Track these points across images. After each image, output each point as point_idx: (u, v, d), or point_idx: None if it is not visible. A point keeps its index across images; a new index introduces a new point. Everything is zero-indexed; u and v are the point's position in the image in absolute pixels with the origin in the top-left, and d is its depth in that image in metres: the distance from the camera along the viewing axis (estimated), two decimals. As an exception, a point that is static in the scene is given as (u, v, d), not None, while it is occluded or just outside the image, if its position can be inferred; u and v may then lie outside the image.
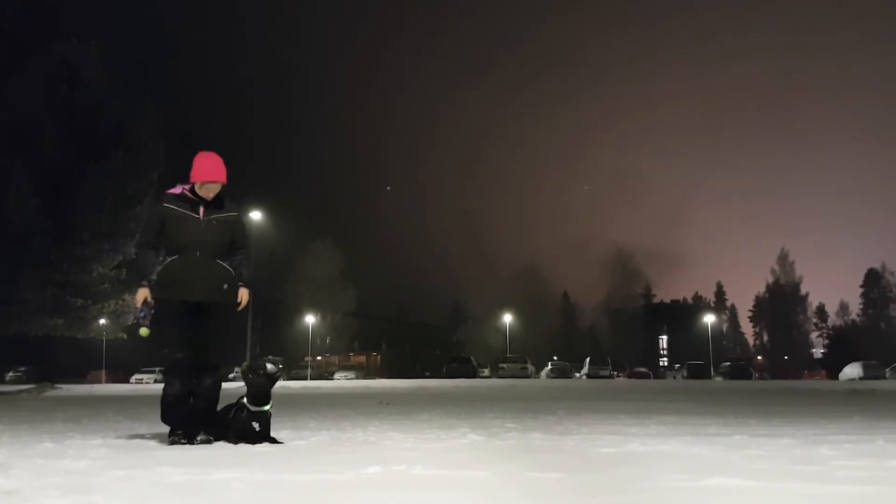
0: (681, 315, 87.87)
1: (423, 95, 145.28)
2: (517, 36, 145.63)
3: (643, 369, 59.91)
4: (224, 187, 4.92)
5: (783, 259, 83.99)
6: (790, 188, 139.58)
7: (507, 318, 69.00)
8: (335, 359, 68.81)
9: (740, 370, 47.25)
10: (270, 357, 63.32)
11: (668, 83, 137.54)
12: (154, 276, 4.93)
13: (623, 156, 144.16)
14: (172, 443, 4.86)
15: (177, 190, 4.93)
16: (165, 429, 6.52)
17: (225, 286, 4.92)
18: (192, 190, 4.88)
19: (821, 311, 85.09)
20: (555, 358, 64.36)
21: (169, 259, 4.87)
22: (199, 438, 4.81)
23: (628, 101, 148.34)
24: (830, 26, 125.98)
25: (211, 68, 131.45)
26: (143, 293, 4.91)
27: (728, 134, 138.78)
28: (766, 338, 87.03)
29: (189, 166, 4.92)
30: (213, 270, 4.87)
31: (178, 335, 4.88)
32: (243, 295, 5.01)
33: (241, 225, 5.08)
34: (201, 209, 4.86)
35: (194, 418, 4.90)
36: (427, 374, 62.91)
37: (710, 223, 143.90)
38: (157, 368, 51.80)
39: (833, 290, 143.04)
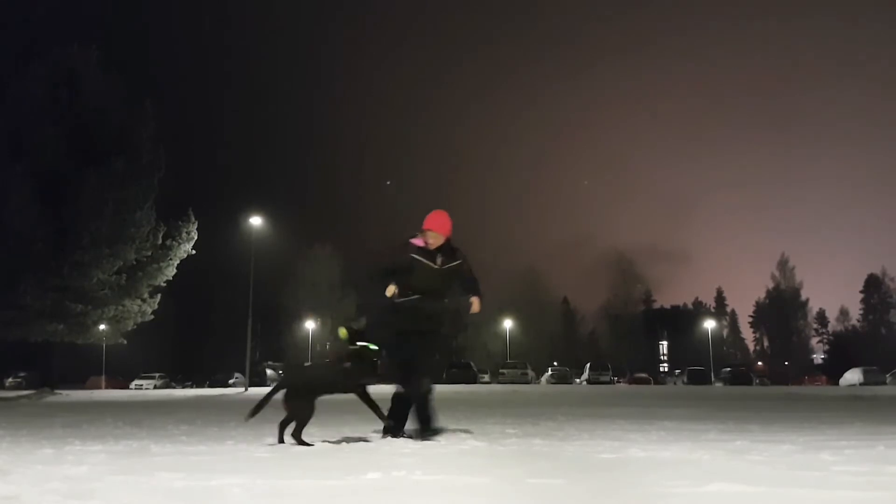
0: (681, 320, 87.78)
1: (421, 97, 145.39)
2: (507, 29, 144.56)
3: (643, 375, 59.87)
4: (448, 239, 5.68)
5: (783, 264, 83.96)
6: (790, 193, 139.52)
7: (508, 324, 68.95)
8: (335, 364, 68.65)
9: (741, 376, 47.22)
10: (270, 363, 63.31)
11: (668, 84, 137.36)
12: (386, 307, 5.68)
13: (623, 157, 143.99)
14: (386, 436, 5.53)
15: (420, 242, 5.65)
16: (163, 433, 6.53)
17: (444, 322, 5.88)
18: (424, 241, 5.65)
19: (821, 316, 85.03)
20: (555, 363, 64.29)
21: (404, 297, 5.59)
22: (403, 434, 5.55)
23: (627, 103, 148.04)
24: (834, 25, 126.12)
25: (210, 74, 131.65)
26: (393, 288, 5.52)
27: (730, 138, 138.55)
28: (766, 343, 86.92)
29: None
30: (437, 310, 5.74)
31: (398, 358, 5.73)
32: (475, 302, 5.78)
33: (466, 266, 5.81)
34: (439, 259, 5.63)
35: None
36: (427, 379, 62.69)
37: (710, 228, 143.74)
38: (157, 374, 51.77)
39: (833, 295, 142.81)
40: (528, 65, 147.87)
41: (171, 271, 32.02)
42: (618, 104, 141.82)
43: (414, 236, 5.69)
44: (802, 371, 74.59)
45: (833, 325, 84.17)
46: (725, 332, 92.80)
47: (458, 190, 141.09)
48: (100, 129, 29.98)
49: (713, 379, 51.67)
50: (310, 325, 61.30)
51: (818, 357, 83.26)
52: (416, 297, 5.61)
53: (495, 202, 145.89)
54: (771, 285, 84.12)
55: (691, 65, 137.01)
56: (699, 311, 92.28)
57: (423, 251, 5.62)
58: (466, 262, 5.80)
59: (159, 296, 32.58)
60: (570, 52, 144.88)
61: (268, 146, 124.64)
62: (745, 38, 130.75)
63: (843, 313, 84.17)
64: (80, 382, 48.89)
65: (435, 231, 5.62)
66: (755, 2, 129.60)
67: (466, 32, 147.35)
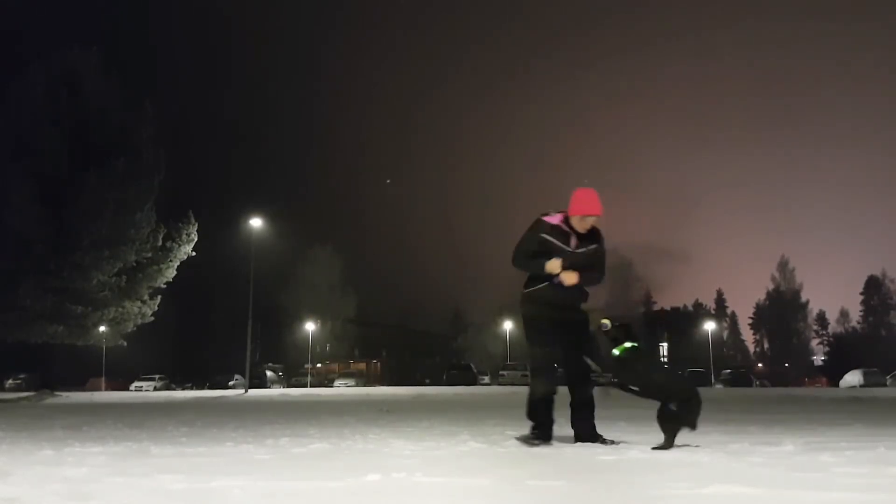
0: (681, 322, 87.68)
1: (421, 97, 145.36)
2: (507, 29, 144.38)
3: (643, 376, 59.70)
4: (598, 220, 5.12)
5: (783, 266, 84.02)
6: (790, 193, 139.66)
7: (508, 325, 68.89)
8: (335, 366, 68.70)
9: (741, 377, 47.26)
10: (270, 364, 63.11)
11: (668, 84, 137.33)
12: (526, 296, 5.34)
13: (623, 157, 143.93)
14: (527, 441, 5.07)
15: (554, 219, 5.11)
16: (163, 435, 6.52)
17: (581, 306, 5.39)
18: (566, 221, 5.09)
19: (821, 318, 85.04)
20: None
21: (538, 283, 5.17)
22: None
23: (627, 103, 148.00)
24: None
25: (210, 74, 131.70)
26: (557, 261, 4.99)
27: (730, 138, 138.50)
28: (766, 345, 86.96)
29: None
30: (575, 294, 5.22)
31: (543, 351, 5.39)
32: (567, 275, 5.06)
33: (601, 254, 5.30)
34: (573, 241, 5.08)
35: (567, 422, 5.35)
36: (427, 381, 62.82)
37: (710, 228, 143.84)
38: (157, 376, 51.77)
39: (833, 297, 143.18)
40: (527, 65, 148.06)
41: (171, 273, 32.05)
42: (618, 104, 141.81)
43: (547, 213, 5.14)
44: (803, 372, 74.66)
45: (833, 326, 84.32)
46: (725, 334, 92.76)
47: (457, 190, 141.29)
48: (100, 130, 30.01)
49: (713, 380, 51.63)
50: (310, 326, 61.25)
51: (818, 359, 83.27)
52: (544, 284, 5.11)
53: (495, 202, 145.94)
54: (771, 287, 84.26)
55: (691, 65, 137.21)
56: (699, 312, 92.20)
57: (555, 231, 5.08)
58: (602, 247, 5.24)
59: (159, 297, 32.59)
60: (570, 52, 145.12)
61: (268, 146, 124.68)
62: (746, 38, 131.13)
63: (844, 315, 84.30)
64: (80, 384, 48.85)
65: (599, 215, 5.08)
66: (755, 2, 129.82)
67: (466, 32, 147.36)
